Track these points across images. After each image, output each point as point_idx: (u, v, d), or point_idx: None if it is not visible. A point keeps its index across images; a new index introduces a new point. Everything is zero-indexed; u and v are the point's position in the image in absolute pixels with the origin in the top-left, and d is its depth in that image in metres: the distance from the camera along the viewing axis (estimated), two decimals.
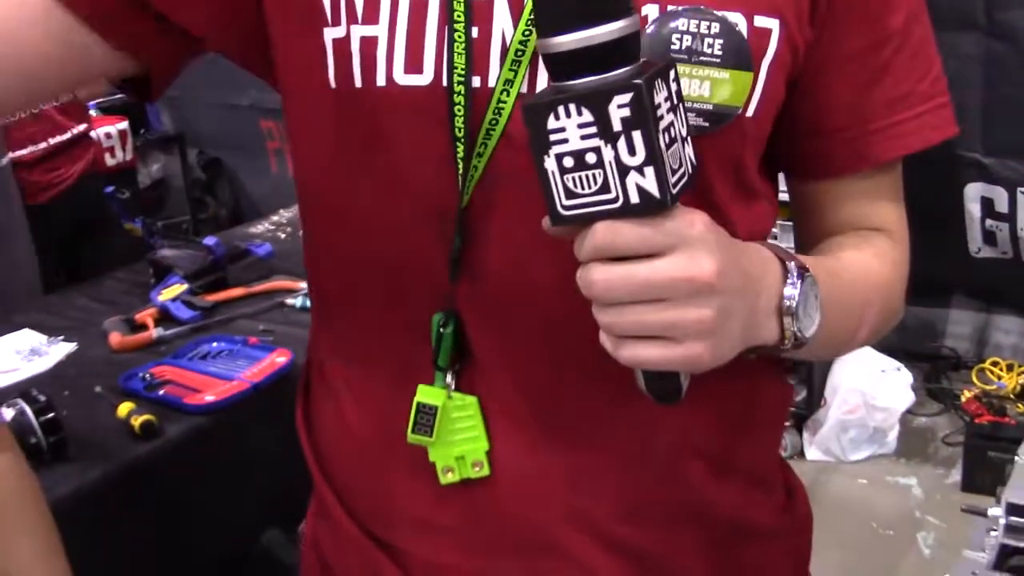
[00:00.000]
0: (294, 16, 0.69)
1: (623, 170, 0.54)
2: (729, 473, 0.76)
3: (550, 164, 0.56)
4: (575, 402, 0.71)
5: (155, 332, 1.88)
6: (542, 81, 0.64)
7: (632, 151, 0.54)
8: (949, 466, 2.81)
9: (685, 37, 0.65)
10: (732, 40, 0.66)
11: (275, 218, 2.64)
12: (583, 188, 0.55)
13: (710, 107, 0.65)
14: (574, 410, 0.71)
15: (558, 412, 0.71)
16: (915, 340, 3.30)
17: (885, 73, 0.73)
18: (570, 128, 0.54)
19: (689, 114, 0.61)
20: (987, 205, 2.98)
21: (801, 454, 2.88)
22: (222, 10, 0.70)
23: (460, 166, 0.65)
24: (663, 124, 0.54)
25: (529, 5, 0.63)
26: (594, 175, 0.55)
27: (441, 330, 0.69)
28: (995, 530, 0.68)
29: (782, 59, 0.68)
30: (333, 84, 0.68)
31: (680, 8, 0.64)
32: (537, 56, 0.63)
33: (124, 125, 3.26)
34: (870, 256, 0.76)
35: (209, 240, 2.11)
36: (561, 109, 0.54)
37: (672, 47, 0.64)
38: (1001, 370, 3.17)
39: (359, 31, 0.66)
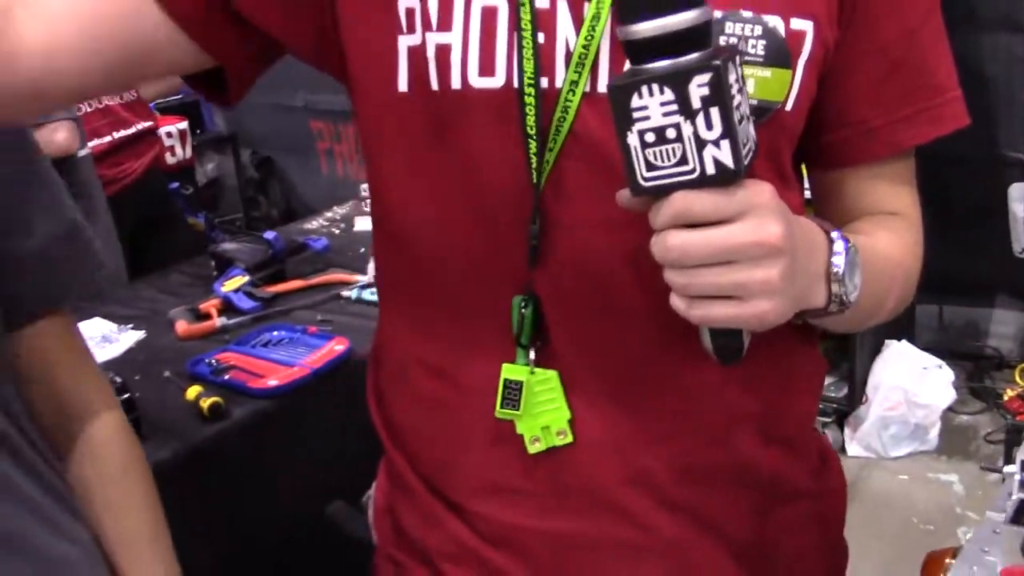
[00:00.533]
0: (369, 24, 0.75)
1: (701, 144, 0.60)
2: (771, 438, 0.82)
3: (632, 140, 0.61)
4: (642, 370, 0.77)
5: (219, 321, 1.97)
6: (603, 82, 0.71)
7: (710, 126, 0.60)
8: (991, 462, 2.83)
9: (731, 39, 0.71)
10: (773, 41, 0.72)
11: (328, 214, 2.73)
12: (663, 161, 0.61)
13: (754, 102, 0.71)
14: (643, 378, 0.77)
15: (628, 381, 0.77)
16: (958, 339, 3.32)
17: (905, 66, 0.79)
18: (652, 106, 0.60)
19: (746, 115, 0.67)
20: None
21: (843, 450, 2.90)
22: (299, 15, 0.76)
23: (533, 161, 0.72)
24: (735, 103, 0.60)
25: (591, 12, 0.70)
26: (673, 149, 0.61)
27: (523, 311, 0.75)
28: (1011, 493, 0.74)
29: (816, 57, 0.74)
30: (405, 88, 0.74)
31: (725, 13, 0.71)
32: (598, 58, 0.70)
33: (184, 125, 3.38)
34: (893, 236, 0.82)
35: (268, 234, 2.20)
36: (644, 88, 0.60)
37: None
38: None
39: (434, 38, 0.73)
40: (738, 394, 0.79)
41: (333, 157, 4.73)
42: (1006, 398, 3.03)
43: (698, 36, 0.60)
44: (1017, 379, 3.04)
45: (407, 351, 0.85)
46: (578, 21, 0.71)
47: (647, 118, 0.60)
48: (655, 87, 0.60)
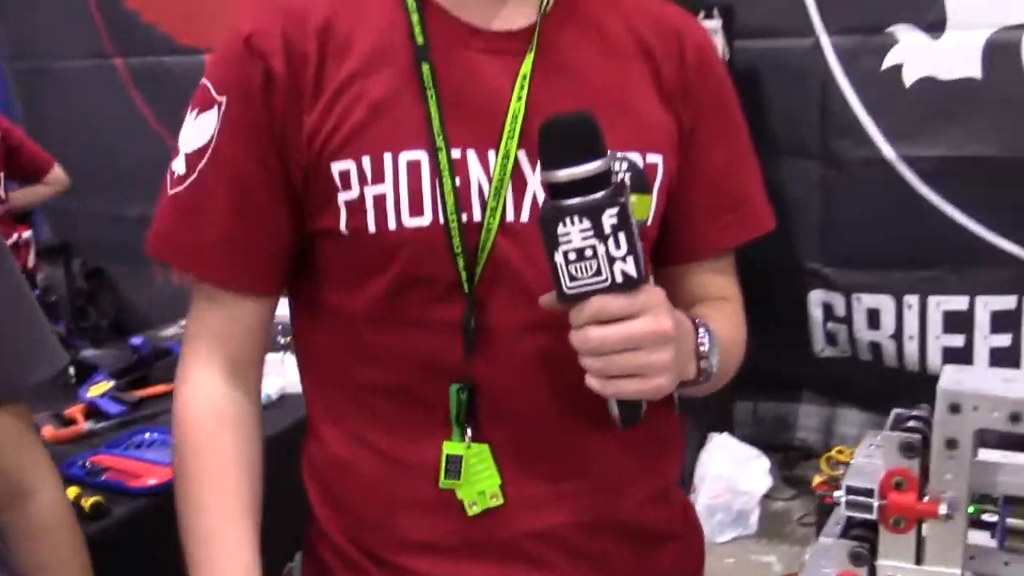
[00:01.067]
0: (315, 206, 0.94)
1: (611, 260, 0.79)
2: (650, 493, 1.01)
3: (559, 258, 0.80)
4: (556, 439, 0.95)
5: (86, 425, 2.00)
6: (510, 216, 0.91)
7: (618, 246, 0.79)
8: (804, 544, 3.10)
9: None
10: (636, 173, 0.94)
11: (183, 322, 2.77)
12: (582, 274, 0.80)
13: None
14: (557, 446, 0.95)
15: (545, 449, 0.95)
16: (771, 432, 3.65)
17: (727, 184, 1.03)
18: (574, 232, 0.79)
19: None
20: (827, 310, 3.37)
21: None
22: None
23: (463, 275, 0.90)
24: (634, 227, 0.79)
25: (500, 160, 0.90)
26: (590, 264, 0.79)
27: (460, 397, 0.92)
28: (840, 518, 0.94)
29: (665, 183, 0.97)
30: (345, 231, 0.92)
31: None
32: (507, 196, 0.91)
33: (29, 234, 3.35)
34: (728, 319, 1.03)
35: (135, 340, 2.25)
36: (568, 219, 0.79)
37: None
38: (846, 457, 3.52)
39: (371, 191, 0.90)
40: (627, 457, 0.97)
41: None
42: (814, 484, 3.34)
43: (603, 178, 0.79)
44: (823, 467, 3.35)
45: (345, 432, 0.98)
46: (485, 166, 0.91)
47: (570, 241, 0.79)
48: (576, 218, 0.78)
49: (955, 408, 0.83)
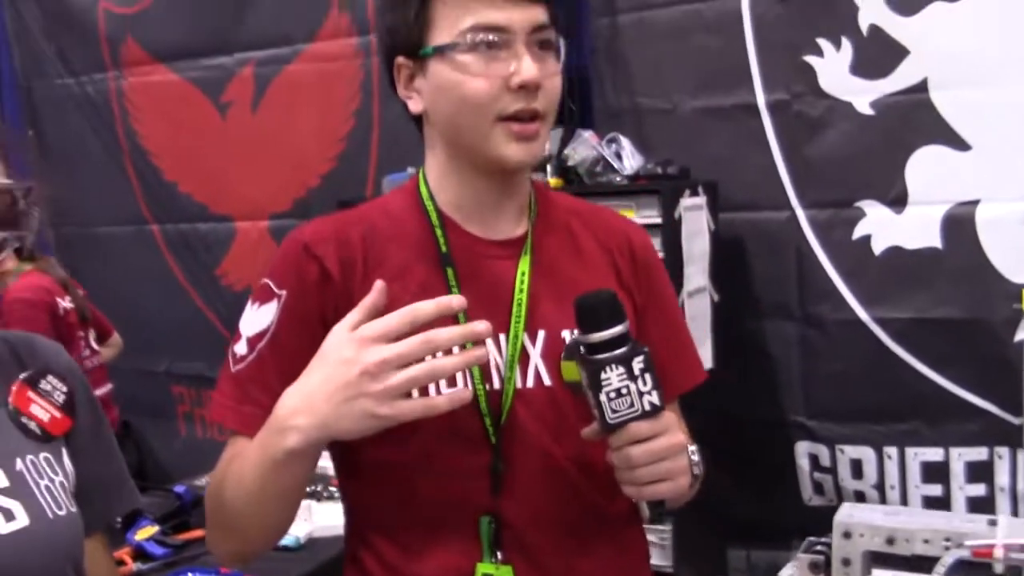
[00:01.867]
0: None
1: (640, 395, 1.05)
2: None
3: (603, 397, 1.06)
4: (563, 558, 1.19)
5: (134, 566, 2.22)
6: (518, 383, 1.18)
7: (645, 384, 1.06)
8: None
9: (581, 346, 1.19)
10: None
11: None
12: (621, 407, 1.06)
13: None
14: (563, 564, 1.19)
15: (562, 564, 1.18)
16: None
17: (672, 347, 1.31)
18: (613, 377, 1.05)
19: None
20: (814, 460, 3.58)
21: None
22: None
23: (491, 430, 1.16)
24: (653, 367, 1.06)
25: (511, 340, 1.17)
26: (626, 400, 1.06)
27: (490, 527, 1.16)
28: None
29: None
30: None
31: (576, 331, 1.15)
32: (515, 368, 1.17)
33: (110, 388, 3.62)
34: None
35: (179, 488, 2.49)
36: (608, 367, 1.06)
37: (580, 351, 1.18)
38: None
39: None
40: (620, 556, 1.23)
41: (192, 420, 4.95)
42: None
43: (626, 336, 1.07)
44: None
45: (383, 560, 1.21)
46: (498, 346, 1.19)
47: (610, 383, 1.06)
48: (614, 366, 1.06)
49: (847, 535, 1.08)
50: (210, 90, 4.52)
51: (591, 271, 1.26)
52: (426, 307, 1.03)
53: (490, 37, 1.13)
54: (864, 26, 3.27)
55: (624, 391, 1.05)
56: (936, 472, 3.37)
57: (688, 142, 3.58)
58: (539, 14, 1.17)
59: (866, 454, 3.47)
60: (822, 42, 3.34)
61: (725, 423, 3.53)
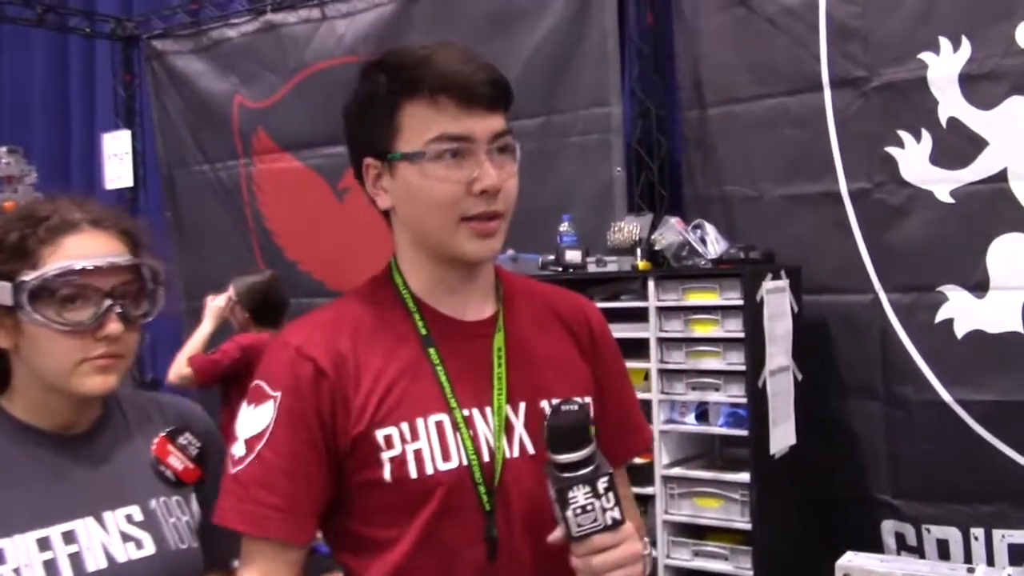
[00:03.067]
0: (359, 464, 1.21)
1: (603, 510, 1.14)
2: None
3: (569, 513, 1.13)
4: None
5: None
6: (506, 453, 1.24)
7: (608, 501, 1.14)
8: None
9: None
10: (584, 410, 1.22)
11: None
12: (586, 522, 1.14)
13: None
14: None
15: None
16: None
17: (626, 415, 1.40)
18: (579, 495, 1.13)
19: None
20: (900, 539, 3.62)
21: None
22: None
23: (484, 499, 1.22)
24: (615, 486, 1.16)
25: (496, 419, 1.24)
26: (590, 515, 1.14)
27: None
28: None
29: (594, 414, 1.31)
30: (389, 479, 1.19)
31: (554, 400, 1.26)
32: (501, 442, 1.24)
33: None
34: (635, 514, 1.37)
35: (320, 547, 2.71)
36: (575, 487, 1.14)
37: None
38: None
39: (411, 447, 1.20)
40: None
41: None
42: None
43: (592, 456, 1.16)
44: None
45: None
46: (486, 420, 1.24)
47: (576, 501, 1.14)
48: (580, 485, 1.14)
49: None
50: (329, 176, 4.90)
51: (557, 345, 1.34)
52: None
53: (454, 146, 1.20)
54: (944, 119, 3.43)
55: (589, 507, 1.13)
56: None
57: (773, 228, 3.76)
58: (497, 123, 1.24)
59: (952, 535, 3.51)
60: (903, 134, 3.51)
61: (811, 500, 3.63)
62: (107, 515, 1.33)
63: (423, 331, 1.27)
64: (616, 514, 1.15)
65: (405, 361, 1.24)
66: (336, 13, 4.99)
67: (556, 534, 1.17)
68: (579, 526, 1.14)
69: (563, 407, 1.21)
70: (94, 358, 1.31)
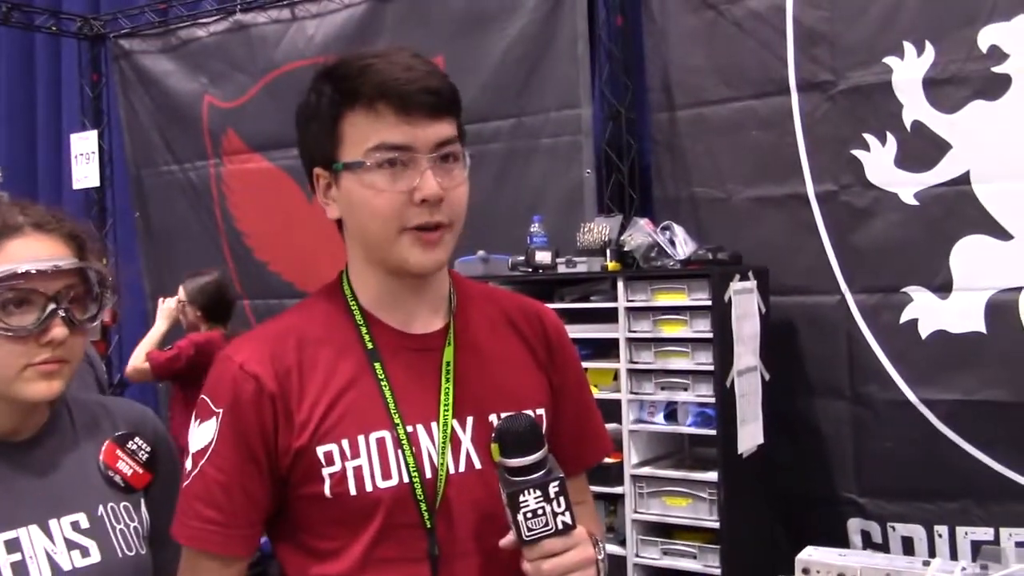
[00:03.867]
0: (300, 478, 1.21)
1: (554, 514, 1.14)
2: None
3: (520, 517, 1.13)
4: None
5: None
6: (451, 469, 1.23)
7: (559, 505, 1.14)
8: None
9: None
10: (532, 424, 1.21)
11: None
12: (537, 526, 1.14)
13: None
14: None
15: None
16: None
17: (584, 423, 1.39)
18: (530, 499, 1.13)
19: None
20: (866, 537, 3.66)
21: None
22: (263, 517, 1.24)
23: (426, 515, 1.21)
24: (567, 490, 1.15)
25: (441, 434, 1.23)
26: (541, 519, 1.14)
27: None
28: None
29: (548, 426, 1.30)
30: (330, 495, 1.18)
31: (503, 414, 1.25)
32: (446, 457, 1.24)
33: None
34: (593, 520, 1.41)
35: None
36: (526, 491, 1.14)
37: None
38: None
39: (351, 464, 1.19)
40: None
41: None
42: None
43: (544, 461, 1.16)
44: None
45: None
46: (431, 435, 1.23)
47: (527, 505, 1.14)
48: (531, 489, 1.14)
49: (806, 571, 1.26)
50: (299, 177, 4.73)
51: (511, 355, 1.33)
52: None
53: (393, 155, 1.19)
54: (908, 122, 3.48)
55: (540, 511, 1.13)
56: (986, 551, 3.43)
57: (741, 230, 3.80)
58: (443, 130, 1.21)
59: (917, 532, 3.56)
60: (868, 137, 3.56)
61: (778, 499, 3.67)
62: (52, 523, 1.31)
63: (369, 345, 1.26)
64: (567, 518, 1.15)
65: (349, 376, 1.23)
66: (306, 14, 4.98)
67: (508, 539, 1.18)
68: (529, 530, 1.14)
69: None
70: (38, 363, 1.28)
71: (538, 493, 1.14)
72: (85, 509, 1.34)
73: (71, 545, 1.31)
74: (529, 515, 1.14)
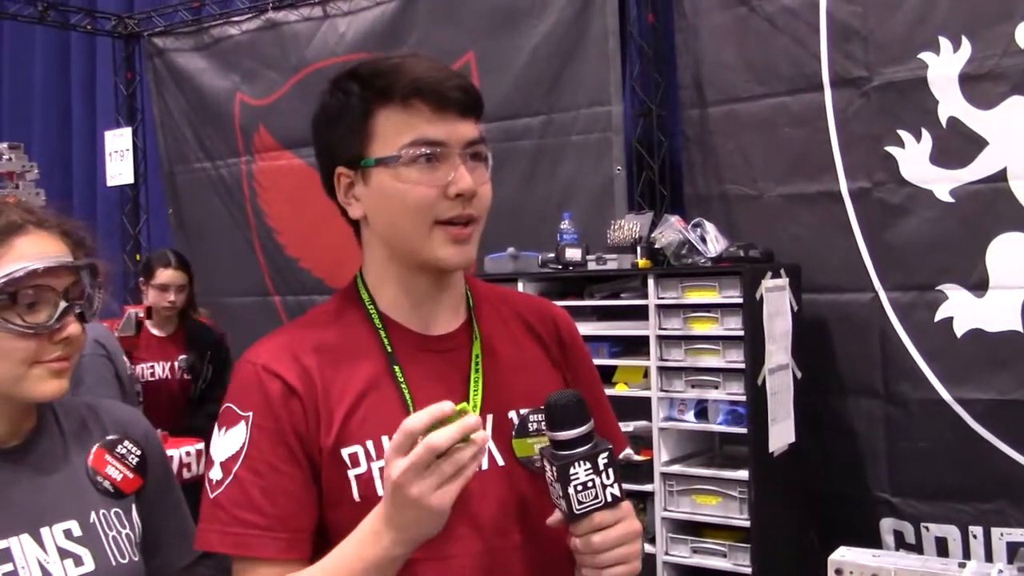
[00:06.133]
0: (328, 480, 1.19)
1: (603, 486, 1.12)
2: None
3: (571, 490, 1.11)
4: None
5: None
6: (485, 456, 1.17)
7: (608, 477, 1.12)
8: None
9: (530, 423, 1.25)
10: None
11: None
12: (586, 499, 1.12)
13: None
14: None
15: None
16: None
17: (599, 420, 1.23)
18: (580, 472, 1.12)
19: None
20: (898, 537, 3.63)
21: None
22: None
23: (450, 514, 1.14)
24: (615, 462, 1.14)
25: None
26: (591, 492, 1.12)
27: None
28: None
29: None
30: (358, 499, 1.17)
31: (527, 410, 1.25)
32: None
33: (200, 445, 3.93)
34: None
35: None
36: (577, 463, 1.12)
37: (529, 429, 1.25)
38: None
39: (376, 465, 1.18)
40: None
41: None
42: None
43: (591, 434, 1.14)
44: None
45: None
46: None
47: (578, 478, 1.12)
48: (582, 461, 1.12)
49: (839, 572, 1.25)
50: None
51: (526, 354, 1.33)
52: (420, 419, 1.09)
53: (428, 150, 1.20)
54: (943, 118, 3.44)
55: (590, 484, 1.13)
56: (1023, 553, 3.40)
57: (773, 227, 3.77)
58: (470, 130, 1.23)
59: (951, 532, 3.52)
60: (903, 133, 3.52)
61: (809, 498, 3.65)
62: (44, 531, 1.28)
63: (388, 348, 1.25)
64: (616, 491, 1.14)
65: (369, 380, 1.23)
66: (337, 11, 5.01)
67: (555, 517, 1.17)
68: (580, 503, 1.13)
69: (532, 416, 1.24)
70: (49, 360, 1.27)
71: (588, 465, 1.13)
72: (77, 516, 1.31)
73: (64, 554, 1.28)
74: (580, 488, 1.13)
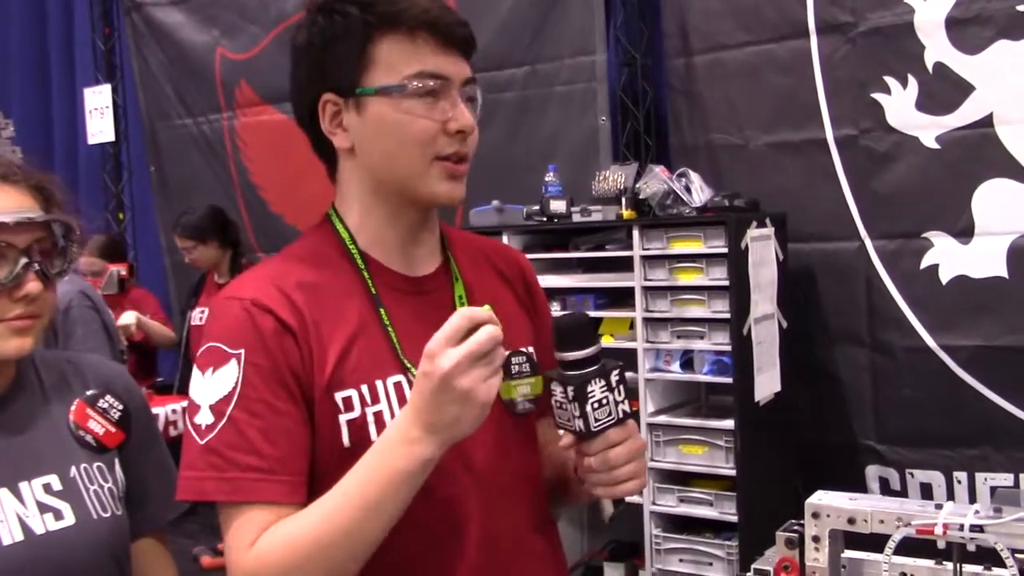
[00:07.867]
0: (318, 423, 1.15)
1: (616, 403, 1.14)
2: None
3: (588, 408, 1.13)
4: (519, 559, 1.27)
5: None
6: None
7: (620, 394, 1.15)
8: None
9: (512, 366, 1.25)
10: (531, 361, 1.27)
11: None
12: (602, 416, 1.14)
13: (531, 397, 1.28)
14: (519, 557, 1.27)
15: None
16: None
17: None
18: (596, 389, 1.13)
19: (526, 401, 1.25)
20: (884, 484, 3.66)
21: None
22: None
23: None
24: (625, 380, 1.17)
25: None
26: (606, 408, 1.14)
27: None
28: None
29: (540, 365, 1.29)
30: (348, 444, 1.14)
31: (510, 351, 1.20)
32: None
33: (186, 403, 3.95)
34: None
35: None
36: (593, 381, 1.13)
37: (511, 371, 1.25)
38: None
39: (371, 410, 1.16)
40: (550, 550, 1.33)
41: None
42: None
43: (600, 354, 1.15)
44: None
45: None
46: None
47: (594, 395, 1.14)
48: (597, 379, 1.14)
49: (816, 515, 1.25)
50: None
51: (498, 294, 1.33)
52: (477, 311, 1.08)
53: (432, 84, 1.18)
54: (930, 64, 3.40)
55: (604, 401, 1.14)
56: (1002, 494, 3.42)
57: (759, 176, 3.75)
58: (468, 70, 1.23)
59: (936, 478, 3.55)
60: (889, 80, 3.48)
61: (795, 446, 3.67)
62: (23, 485, 1.27)
63: (373, 290, 1.22)
64: (627, 407, 1.16)
65: (357, 321, 1.19)
66: None
67: (566, 440, 1.18)
68: (596, 420, 1.14)
69: (513, 358, 1.25)
70: (11, 319, 1.25)
71: (602, 382, 1.14)
72: (57, 471, 1.30)
73: (43, 508, 1.27)
74: (596, 405, 1.14)
